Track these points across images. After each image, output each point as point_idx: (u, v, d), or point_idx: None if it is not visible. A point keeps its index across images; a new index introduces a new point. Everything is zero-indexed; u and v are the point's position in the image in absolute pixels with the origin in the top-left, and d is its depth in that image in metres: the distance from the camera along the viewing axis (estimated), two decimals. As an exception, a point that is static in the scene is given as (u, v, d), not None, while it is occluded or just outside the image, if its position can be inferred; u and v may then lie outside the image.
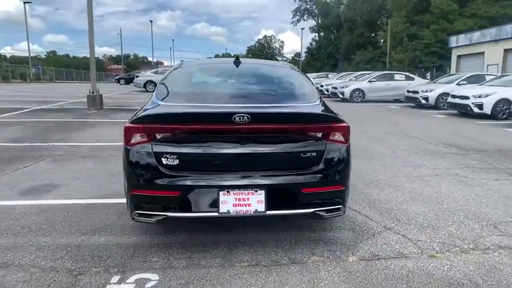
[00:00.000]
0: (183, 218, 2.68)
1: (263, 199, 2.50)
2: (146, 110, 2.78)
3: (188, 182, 2.50)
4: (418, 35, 39.62)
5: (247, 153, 2.56)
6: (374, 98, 17.76)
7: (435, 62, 37.60)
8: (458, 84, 14.38)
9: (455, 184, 4.55)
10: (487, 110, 11.03)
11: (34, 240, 2.87)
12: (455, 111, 12.70)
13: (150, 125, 2.54)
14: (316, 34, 77.48)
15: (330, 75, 29.74)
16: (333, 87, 19.58)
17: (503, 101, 11.10)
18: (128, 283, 2.31)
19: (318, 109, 2.89)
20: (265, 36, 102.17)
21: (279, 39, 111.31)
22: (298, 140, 2.65)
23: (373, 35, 55.25)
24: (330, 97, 19.39)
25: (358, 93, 18.03)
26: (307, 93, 3.20)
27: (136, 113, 2.78)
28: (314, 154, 2.63)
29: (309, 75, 10.74)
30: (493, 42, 25.45)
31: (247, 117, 2.46)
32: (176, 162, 2.50)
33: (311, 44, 78.13)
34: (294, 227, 3.14)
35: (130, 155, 2.56)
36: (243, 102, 2.97)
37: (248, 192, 2.50)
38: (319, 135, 2.66)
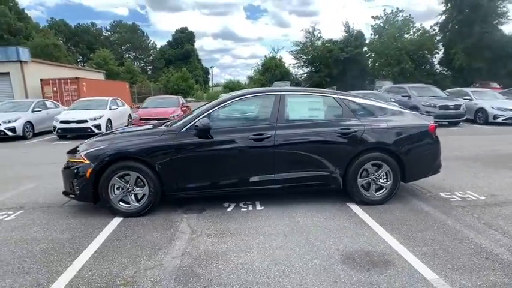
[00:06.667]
0: None
1: None
2: (420, 115, 4.48)
3: None
4: None
5: None
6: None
7: None
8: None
9: None
10: (19, 131, 12.13)
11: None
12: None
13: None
14: None
15: None
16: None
17: (28, 123, 12.63)
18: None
19: None
20: None
21: None
22: None
23: None
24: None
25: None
26: None
27: (417, 117, 4.42)
28: None
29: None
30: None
31: None
32: None
33: None
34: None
35: (440, 144, 4.36)
36: None
37: None
38: None
